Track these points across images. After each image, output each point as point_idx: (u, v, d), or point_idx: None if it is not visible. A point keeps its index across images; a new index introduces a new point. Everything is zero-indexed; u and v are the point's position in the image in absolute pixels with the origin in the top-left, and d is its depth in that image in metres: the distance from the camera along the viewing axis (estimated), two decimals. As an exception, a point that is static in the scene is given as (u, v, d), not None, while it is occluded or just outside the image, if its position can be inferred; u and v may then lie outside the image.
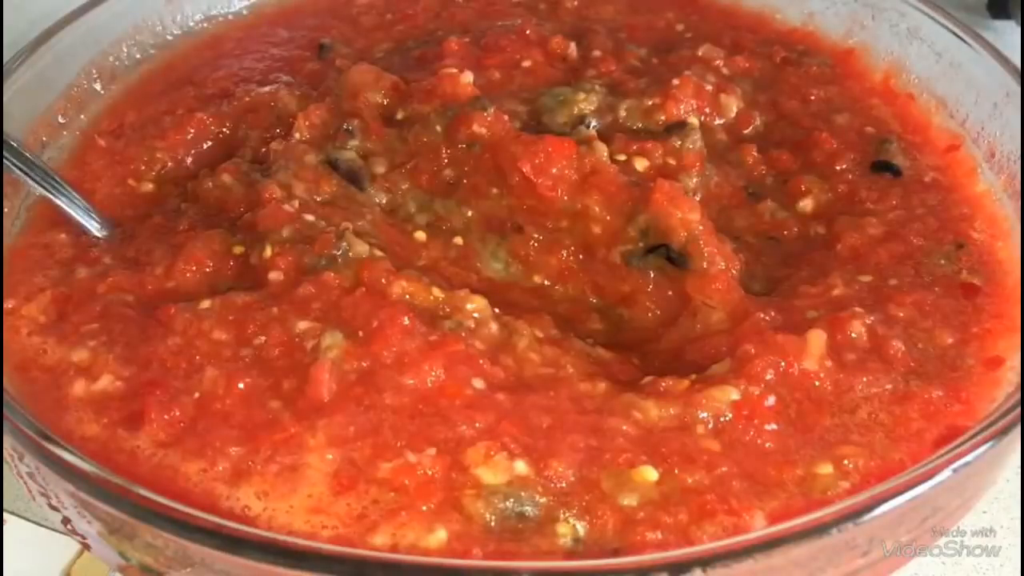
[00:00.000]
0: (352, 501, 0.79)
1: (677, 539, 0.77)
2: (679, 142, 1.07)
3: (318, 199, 1.06)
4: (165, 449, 0.84)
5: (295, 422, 0.84)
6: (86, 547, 0.86)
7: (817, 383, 0.89)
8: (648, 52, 1.31)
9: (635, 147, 1.08)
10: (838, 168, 1.14)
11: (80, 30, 1.24)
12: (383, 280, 0.94)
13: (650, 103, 1.16)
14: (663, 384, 0.89)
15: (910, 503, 0.74)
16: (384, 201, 1.10)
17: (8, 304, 0.97)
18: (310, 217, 1.02)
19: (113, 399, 0.88)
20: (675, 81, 1.17)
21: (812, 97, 1.24)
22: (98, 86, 1.27)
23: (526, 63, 1.25)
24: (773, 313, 0.95)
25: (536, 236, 1.07)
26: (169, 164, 1.17)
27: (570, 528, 0.78)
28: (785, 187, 1.13)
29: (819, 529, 0.71)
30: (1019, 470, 1.08)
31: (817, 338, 0.90)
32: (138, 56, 1.33)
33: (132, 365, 0.90)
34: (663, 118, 1.13)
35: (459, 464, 0.81)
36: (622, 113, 1.15)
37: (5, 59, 1.16)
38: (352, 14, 1.43)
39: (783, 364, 0.88)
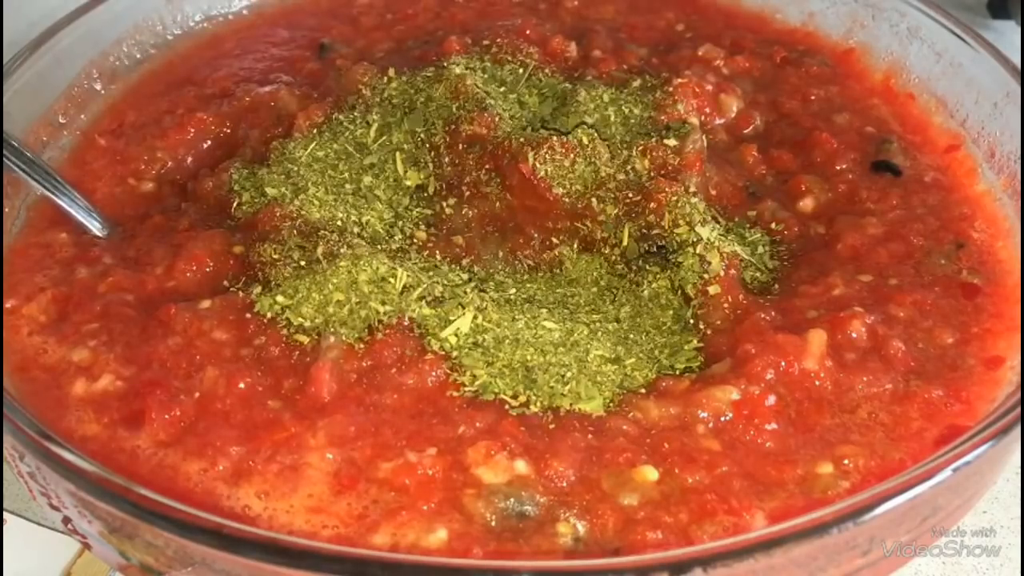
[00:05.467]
0: (352, 501, 0.80)
1: (677, 539, 0.77)
2: (679, 142, 1.08)
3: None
4: (165, 449, 0.84)
5: (295, 422, 0.84)
6: (87, 547, 0.86)
7: (817, 383, 0.89)
8: (648, 52, 1.31)
9: (635, 147, 1.08)
10: (838, 168, 1.14)
11: (80, 30, 1.24)
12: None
13: (651, 103, 1.16)
14: (663, 384, 0.89)
15: (910, 503, 0.74)
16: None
17: (8, 303, 0.97)
18: (310, 217, 1.02)
19: (113, 399, 0.88)
20: (676, 81, 1.17)
21: (812, 97, 1.24)
22: (98, 86, 1.27)
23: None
24: (773, 313, 0.95)
25: (536, 236, 1.07)
26: (169, 163, 1.17)
27: (570, 527, 0.78)
28: (785, 187, 1.13)
29: (819, 529, 0.71)
30: (1019, 470, 1.08)
31: (817, 338, 0.90)
32: (138, 56, 1.33)
33: (132, 365, 0.90)
34: (663, 118, 1.12)
35: (459, 464, 0.81)
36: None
37: (5, 59, 1.16)
38: (352, 14, 1.43)
39: (783, 364, 0.89)
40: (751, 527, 0.77)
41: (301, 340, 0.90)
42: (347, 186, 1.07)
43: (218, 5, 1.41)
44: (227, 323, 0.92)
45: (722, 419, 0.85)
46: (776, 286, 1.01)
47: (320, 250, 0.96)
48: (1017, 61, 1.14)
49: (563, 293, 1.02)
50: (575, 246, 1.06)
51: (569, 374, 0.89)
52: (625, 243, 1.03)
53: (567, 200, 1.04)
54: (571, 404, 0.87)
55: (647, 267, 1.02)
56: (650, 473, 0.81)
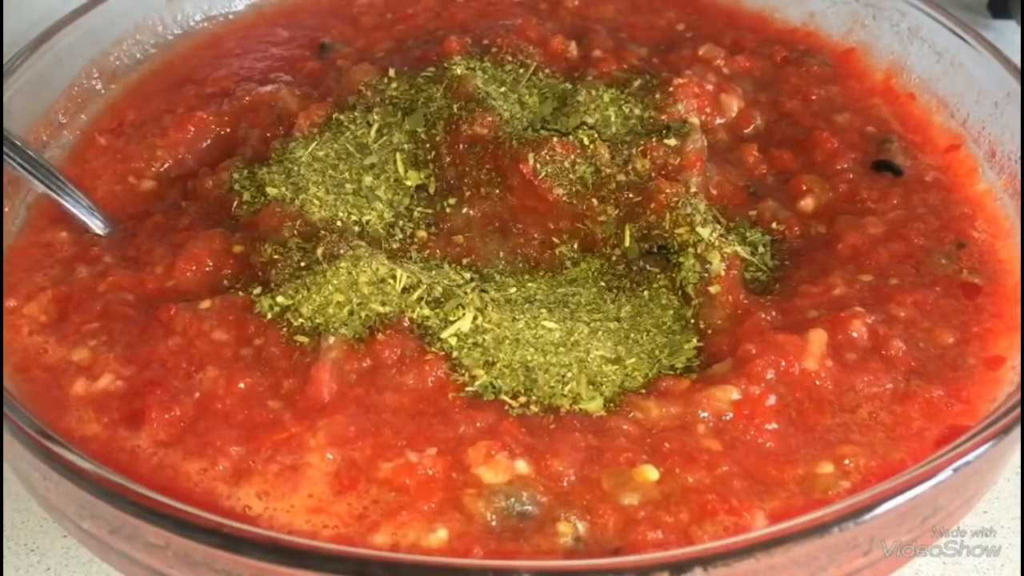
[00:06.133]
0: (353, 501, 0.80)
1: (678, 538, 0.77)
2: (680, 142, 1.08)
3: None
4: (166, 448, 0.84)
5: (296, 422, 0.84)
6: (87, 546, 0.86)
7: (818, 382, 0.89)
8: (649, 51, 1.31)
9: (635, 147, 1.08)
10: (839, 167, 1.14)
11: (80, 30, 1.24)
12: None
13: (651, 103, 1.16)
14: (664, 384, 0.89)
15: (911, 503, 0.74)
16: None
17: (9, 303, 0.97)
18: (311, 216, 1.02)
19: (114, 398, 0.88)
20: (676, 81, 1.17)
21: (813, 96, 1.24)
22: (98, 85, 1.27)
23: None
24: (774, 313, 0.95)
25: (537, 236, 1.07)
26: (169, 162, 1.17)
27: (571, 527, 0.78)
28: (786, 186, 1.13)
29: (820, 528, 0.71)
30: (1019, 470, 1.08)
31: (818, 338, 0.90)
32: (138, 56, 1.33)
33: (132, 364, 0.90)
34: (664, 118, 1.12)
35: (460, 463, 0.81)
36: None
37: (5, 58, 1.16)
38: (352, 14, 1.43)
39: (784, 364, 0.89)
40: (752, 527, 0.77)
41: (301, 340, 0.90)
42: (347, 186, 1.07)
43: (218, 5, 1.41)
44: (227, 323, 0.92)
45: (723, 419, 0.85)
46: (777, 286, 1.01)
47: (320, 251, 0.96)
48: (1018, 61, 1.14)
49: (563, 293, 1.02)
50: (575, 246, 1.06)
51: (569, 374, 0.90)
52: (627, 244, 1.03)
53: (567, 201, 1.05)
54: (571, 404, 0.88)
55: (648, 267, 1.02)
56: (651, 473, 0.81)
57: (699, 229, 0.99)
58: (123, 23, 1.31)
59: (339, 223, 1.03)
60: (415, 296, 0.94)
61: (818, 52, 1.33)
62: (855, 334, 0.92)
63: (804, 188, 1.12)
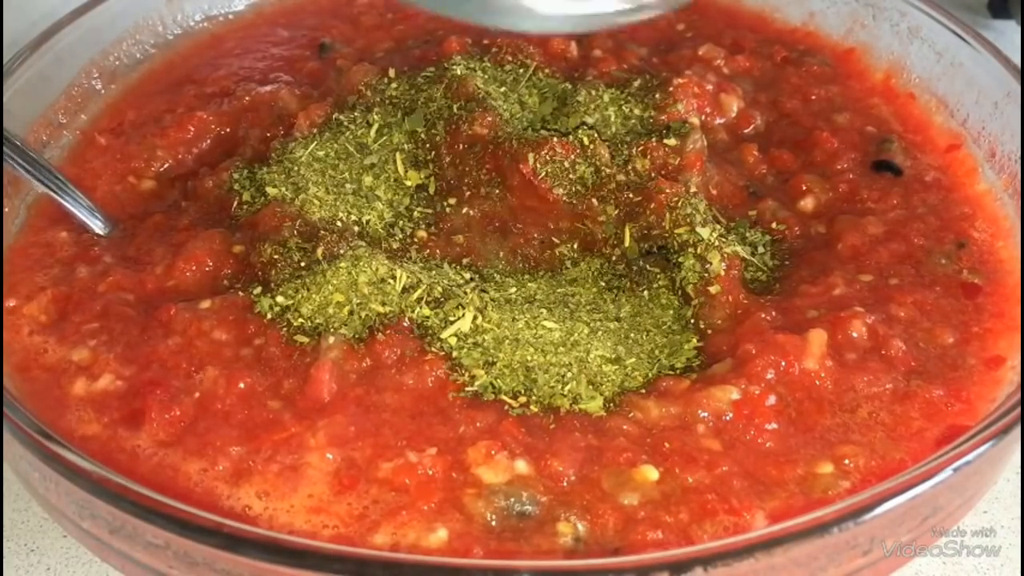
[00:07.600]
0: (353, 501, 0.80)
1: (678, 538, 0.77)
2: (680, 142, 1.08)
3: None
4: (166, 448, 0.84)
5: (296, 422, 0.85)
6: (87, 546, 0.86)
7: (818, 382, 0.89)
8: (649, 51, 1.31)
9: (635, 147, 1.08)
10: (839, 167, 1.14)
11: (80, 30, 1.24)
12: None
13: (651, 103, 1.16)
14: (664, 384, 0.89)
15: (911, 502, 0.74)
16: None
17: (9, 303, 0.97)
18: (311, 216, 1.02)
19: (114, 398, 0.88)
20: (676, 81, 1.17)
21: (813, 96, 1.24)
22: (98, 85, 1.27)
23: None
24: (774, 313, 0.95)
25: (537, 236, 1.07)
26: (169, 162, 1.17)
27: (571, 527, 0.78)
28: (786, 186, 1.13)
29: (820, 528, 0.71)
30: (1019, 470, 1.08)
31: (818, 337, 0.90)
32: (138, 55, 1.33)
33: (132, 364, 0.90)
34: (664, 118, 1.13)
35: (460, 463, 0.81)
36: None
37: (6, 58, 1.16)
38: (352, 13, 1.43)
39: (784, 364, 0.89)
40: (751, 527, 0.78)
41: (301, 340, 0.91)
42: (347, 186, 1.07)
43: (218, 5, 1.41)
44: (227, 323, 0.93)
45: (723, 419, 0.86)
46: (777, 286, 1.01)
47: (320, 251, 0.96)
48: (1018, 61, 1.14)
49: (563, 293, 1.02)
50: (575, 246, 1.06)
51: (569, 374, 0.90)
52: (627, 244, 1.03)
53: (567, 201, 1.05)
54: (571, 404, 0.88)
55: (648, 267, 1.02)
56: (650, 473, 0.81)
57: (699, 229, 0.99)
58: (123, 23, 1.31)
59: (339, 223, 1.03)
60: (415, 296, 0.94)
61: (818, 52, 1.33)
62: (855, 334, 0.92)
63: (804, 188, 1.12)
